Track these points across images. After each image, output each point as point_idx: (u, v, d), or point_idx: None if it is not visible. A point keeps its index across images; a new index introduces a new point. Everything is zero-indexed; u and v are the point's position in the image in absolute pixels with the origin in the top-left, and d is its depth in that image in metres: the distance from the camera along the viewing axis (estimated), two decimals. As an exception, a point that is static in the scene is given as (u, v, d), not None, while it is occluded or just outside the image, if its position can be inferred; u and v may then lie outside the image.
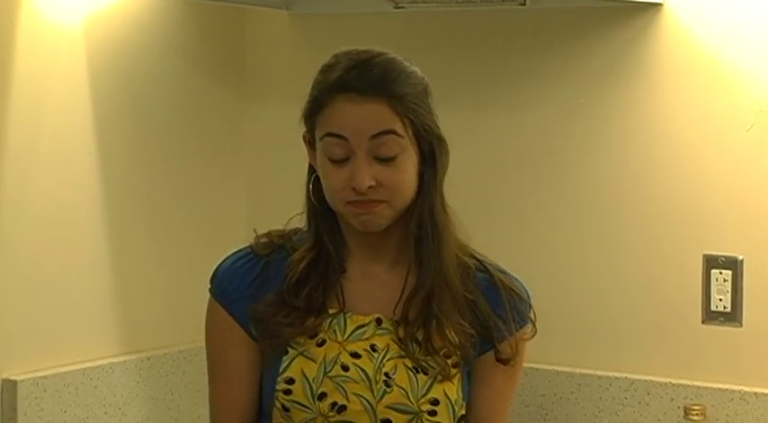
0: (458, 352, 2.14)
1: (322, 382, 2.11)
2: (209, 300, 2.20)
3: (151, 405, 3.09)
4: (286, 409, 2.12)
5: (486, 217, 3.10)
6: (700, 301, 2.91)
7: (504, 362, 2.17)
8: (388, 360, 2.13)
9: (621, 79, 2.97)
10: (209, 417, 2.22)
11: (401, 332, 2.14)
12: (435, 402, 2.12)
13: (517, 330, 2.17)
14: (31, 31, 2.88)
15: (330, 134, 2.08)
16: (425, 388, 2.12)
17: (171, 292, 3.13)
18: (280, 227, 2.20)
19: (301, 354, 2.12)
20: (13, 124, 2.85)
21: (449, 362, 2.13)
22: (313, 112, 2.12)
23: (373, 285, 2.18)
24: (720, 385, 2.87)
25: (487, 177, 3.12)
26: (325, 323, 2.14)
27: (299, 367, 2.12)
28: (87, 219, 3.01)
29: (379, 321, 2.15)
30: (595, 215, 3.02)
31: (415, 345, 2.12)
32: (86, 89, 2.98)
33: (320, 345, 2.12)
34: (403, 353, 2.12)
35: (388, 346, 2.13)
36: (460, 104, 3.11)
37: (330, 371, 2.11)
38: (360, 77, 2.09)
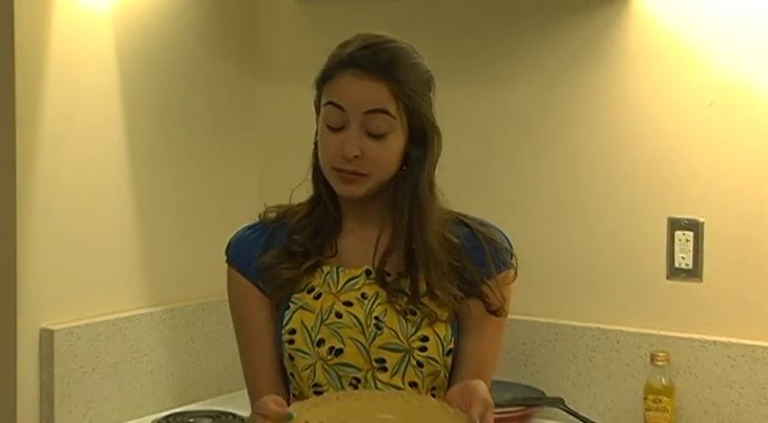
0: (441, 293, 2.14)
1: (319, 329, 2.12)
2: (227, 269, 2.21)
3: (174, 351, 3.12)
4: (291, 358, 2.13)
5: (475, 181, 3.12)
6: (664, 259, 2.91)
7: (495, 313, 2.18)
8: (378, 305, 2.14)
9: (596, 60, 2.96)
10: (243, 372, 2.21)
11: (388, 282, 2.14)
12: (425, 339, 2.12)
13: (498, 273, 2.18)
14: (66, 16, 2.86)
15: (331, 103, 2.11)
16: (414, 328, 2.13)
17: (191, 252, 3.14)
18: (285, 202, 2.22)
19: (301, 307, 2.14)
20: (50, 100, 2.84)
21: (435, 303, 2.13)
22: (322, 81, 2.15)
23: (363, 243, 2.19)
24: (683, 334, 2.86)
25: (477, 146, 3.14)
26: (320, 277, 2.16)
27: (299, 319, 2.13)
28: (116, 185, 3.03)
29: (368, 273, 2.16)
30: (572, 182, 3.02)
31: (402, 295, 2.13)
32: (115, 68, 2.98)
33: (317, 297, 2.14)
34: (392, 299, 2.14)
35: (377, 293, 2.15)
36: (453, 82, 3.03)
37: (326, 319, 2.12)
38: (368, 57, 2.10)
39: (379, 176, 2.14)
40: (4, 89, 2.78)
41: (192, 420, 2.99)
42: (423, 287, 2.14)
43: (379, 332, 2.13)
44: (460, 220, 2.23)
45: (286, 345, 2.14)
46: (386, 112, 2.11)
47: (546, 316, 3.05)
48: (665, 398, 2.83)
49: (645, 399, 2.85)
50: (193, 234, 3.16)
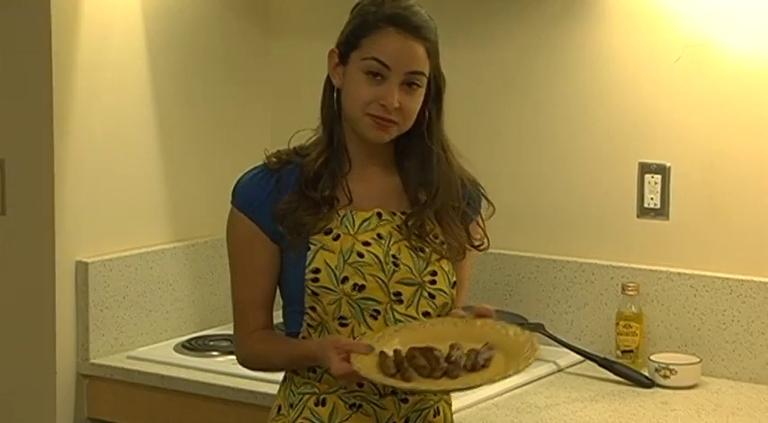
0: (448, 236, 2.17)
1: (344, 268, 2.11)
2: (232, 211, 2.17)
3: (195, 282, 3.11)
4: (315, 294, 2.11)
5: (464, 133, 3.05)
6: (635, 199, 2.89)
7: (478, 248, 2.23)
8: (393, 244, 2.14)
9: (573, 20, 2.92)
10: (235, 304, 2.20)
11: (398, 221, 2.15)
12: (434, 273, 2.14)
13: (480, 212, 2.26)
14: None
15: (377, 59, 2.09)
16: (425, 264, 2.14)
17: (211, 192, 3.09)
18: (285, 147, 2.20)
19: (321, 247, 2.12)
20: (83, 54, 2.82)
21: (440, 241, 2.16)
22: (359, 34, 2.11)
23: (371, 185, 2.18)
24: (651, 267, 2.86)
25: (466, 100, 3.05)
26: (337, 220, 2.14)
27: (322, 258, 2.11)
28: (143, 131, 3.00)
29: (379, 215, 2.15)
30: (552, 131, 3.00)
31: (413, 234, 2.14)
32: (141, 27, 2.95)
33: (336, 239, 2.13)
34: (403, 237, 2.15)
35: (390, 233, 2.15)
36: (443, 42, 3.06)
37: (348, 258, 2.11)
38: (410, 18, 2.11)
39: (406, 126, 2.14)
40: (41, 46, 2.76)
41: (211, 343, 3.00)
42: (430, 226, 2.15)
43: (396, 269, 2.13)
44: None
45: (309, 282, 2.11)
46: (422, 73, 2.13)
47: (528, 250, 3.03)
48: (634, 323, 2.82)
49: (616, 324, 2.84)
50: (213, 177, 3.13)
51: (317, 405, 2.14)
